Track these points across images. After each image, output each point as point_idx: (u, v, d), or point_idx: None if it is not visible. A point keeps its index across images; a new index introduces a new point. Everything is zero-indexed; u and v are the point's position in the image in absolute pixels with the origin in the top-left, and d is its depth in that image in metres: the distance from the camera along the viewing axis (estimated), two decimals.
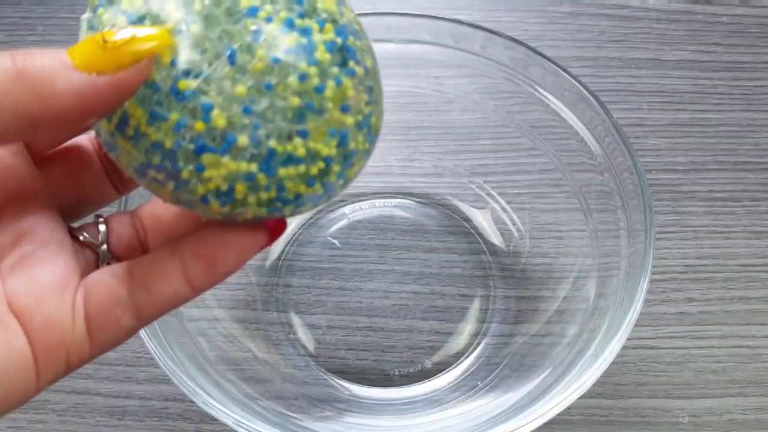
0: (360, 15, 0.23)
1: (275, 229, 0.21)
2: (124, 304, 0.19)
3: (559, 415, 0.31)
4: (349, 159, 0.19)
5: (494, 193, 0.47)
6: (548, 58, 0.39)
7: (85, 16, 0.18)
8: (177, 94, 0.17)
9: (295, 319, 0.44)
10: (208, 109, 0.17)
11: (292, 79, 0.17)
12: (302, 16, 0.18)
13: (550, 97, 0.41)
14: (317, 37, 0.18)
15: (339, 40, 0.18)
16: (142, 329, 0.32)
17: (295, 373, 0.42)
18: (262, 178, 0.18)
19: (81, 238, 0.21)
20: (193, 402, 0.31)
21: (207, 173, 0.18)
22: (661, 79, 0.54)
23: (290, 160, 0.18)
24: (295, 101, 0.17)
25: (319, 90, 0.18)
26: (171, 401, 0.41)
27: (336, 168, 0.19)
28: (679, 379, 0.42)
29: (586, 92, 0.38)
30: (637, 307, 0.33)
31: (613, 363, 0.32)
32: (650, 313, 0.44)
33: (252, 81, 0.17)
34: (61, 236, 0.20)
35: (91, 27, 0.18)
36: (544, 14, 0.57)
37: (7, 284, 0.19)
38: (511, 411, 0.35)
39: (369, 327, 0.44)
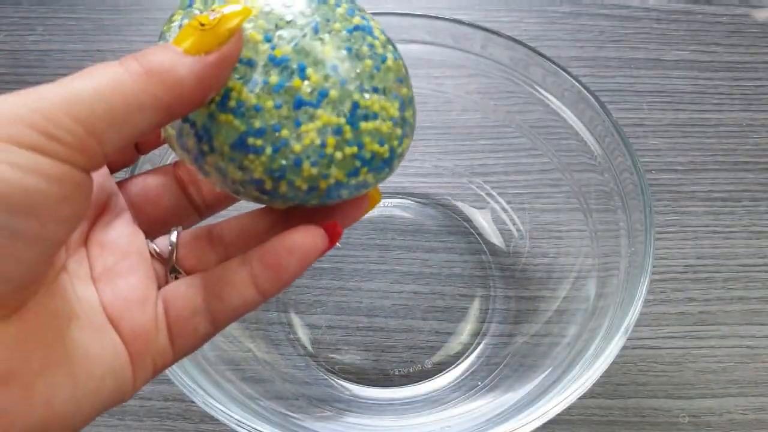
0: None
1: (333, 234, 0.23)
2: (200, 313, 0.21)
3: (559, 415, 0.31)
4: (405, 127, 0.23)
5: (494, 193, 0.47)
6: (548, 58, 0.39)
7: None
8: (274, 60, 0.20)
9: (295, 319, 0.44)
10: (303, 68, 0.20)
11: (364, 47, 0.21)
12: (359, 9, 0.22)
13: (550, 97, 0.41)
14: (372, 23, 0.22)
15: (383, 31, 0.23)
16: None
17: (295, 373, 0.42)
18: (348, 130, 0.21)
19: (153, 250, 0.23)
20: (193, 402, 0.31)
21: (303, 127, 0.20)
22: (661, 79, 0.54)
23: (368, 115, 0.21)
24: (368, 63, 0.21)
25: (383, 59, 0.22)
26: (171, 401, 0.41)
27: (398, 131, 0.22)
28: (679, 379, 0.42)
29: (586, 92, 0.38)
30: (637, 307, 0.33)
31: (613, 363, 0.32)
32: (650, 313, 0.44)
33: (334, 46, 0.21)
34: (140, 248, 0.22)
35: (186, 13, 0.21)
36: (544, 14, 0.57)
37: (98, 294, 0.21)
38: (511, 411, 0.35)
39: (369, 327, 0.44)
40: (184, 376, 0.32)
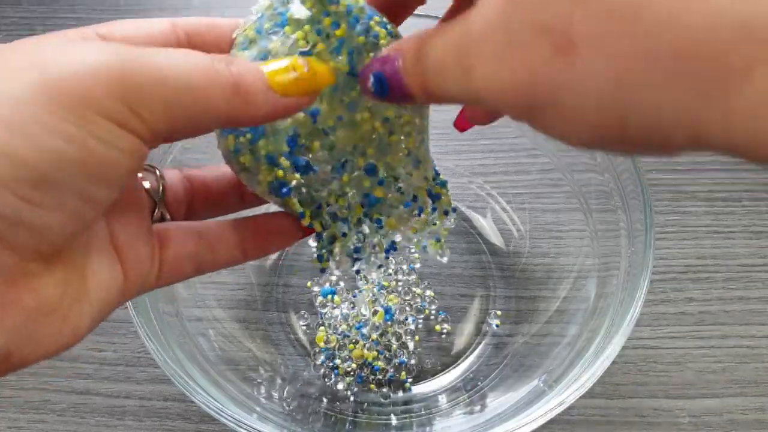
0: None
1: (307, 228, 0.27)
2: (191, 258, 0.24)
3: (559, 415, 0.31)
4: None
5: (494, 193, 0.47)
6: None
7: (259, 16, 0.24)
8: None
9: (295, 319, 0.44)
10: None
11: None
12: None
13: None
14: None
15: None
16: (141, 329, 0.33)
17: (295, 373, 0.42)
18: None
19: (146, 185, 0.25)
20: (193, 402, 0.31)
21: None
22: None
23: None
24: (361, 40, 0.24)
25: (375, 36, 0.24)
26: (171, 401, 0.41)
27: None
28: (680, 379, 0.42)
29: None
30: (637, 307, 0.33)
31: (613, 363, 0.32)
32: (650, 313, 0.44)
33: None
34: (138, 186, 0.25)
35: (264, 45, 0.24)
36: None
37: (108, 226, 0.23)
38: (511, 411, 0.35)
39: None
40: (184, 376, 0.32)
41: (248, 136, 0.24)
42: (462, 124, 0.31)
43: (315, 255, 0.28)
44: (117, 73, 0.17)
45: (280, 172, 0.24)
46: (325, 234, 0.27)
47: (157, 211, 0.25)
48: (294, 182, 0.25)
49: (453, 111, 0.45)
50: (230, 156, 0.25)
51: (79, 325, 0.20)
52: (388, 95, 0.22)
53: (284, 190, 0.25)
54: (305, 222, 0.26)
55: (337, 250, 0.28)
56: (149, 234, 0.23)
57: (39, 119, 0.17)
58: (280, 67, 0.21)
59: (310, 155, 0.25)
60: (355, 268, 0.29)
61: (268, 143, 0.24)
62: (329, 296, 0.44)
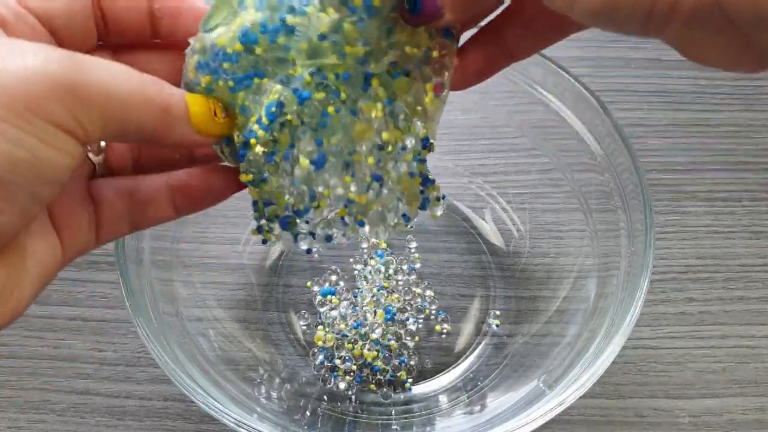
0: None
1: (242, 185, 0.26)
2: (124, 219, 0.25)
3: (559, 415, 0.31)
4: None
5: (494, 193, 0.47)
6: (548, 58, 0.39)
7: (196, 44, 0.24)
8: None
9: (295, 319, 0.44)
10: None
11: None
12: None
13: (550, 97, 0.41)
14: None
15: None
16: (141, 330, 0.33)
17: (295, 373, 0.42)
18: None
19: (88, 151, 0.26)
20: (193, 402, 0.31)
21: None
22: (662, 79, 0.54)
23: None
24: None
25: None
26: (171, 401, 0.41)
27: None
28: (680, 379, 0.42)
29: (586, 92, 0.38)
30: (637, 307, 0.33)
31: (614, 363, 0.32)
32: (650, 313, 0.44)
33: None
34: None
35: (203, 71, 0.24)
36: None
37: None
38: (511, 411, 0.35)
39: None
40: (184, 376, 0.32)
41: (230, 83, 0.24)
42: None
43: (255, 226, 0.27)
44: (64, 83, 0.19)
45: (249, 141, 0.24)
46: (263, 207, 0.26)
47: (97, 170, 0.26)
48: (258, 152, 0.24)
49: (453, 111, 0.45)
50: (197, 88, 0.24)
51: (18, 306, 0.22)
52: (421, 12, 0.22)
53: (242, 153, 0.25)
54: (242, 179, 0.25)
55: (277, 230, 0.27)
56: (86, 202, 0.25)
57: None
58: (203, 102, 0.23)
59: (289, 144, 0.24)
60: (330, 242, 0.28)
61: (247, 97, 0.24)
62: (328, 296, 0.44)
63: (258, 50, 0.23)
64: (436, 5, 0.22)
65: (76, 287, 0.45)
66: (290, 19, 0.23)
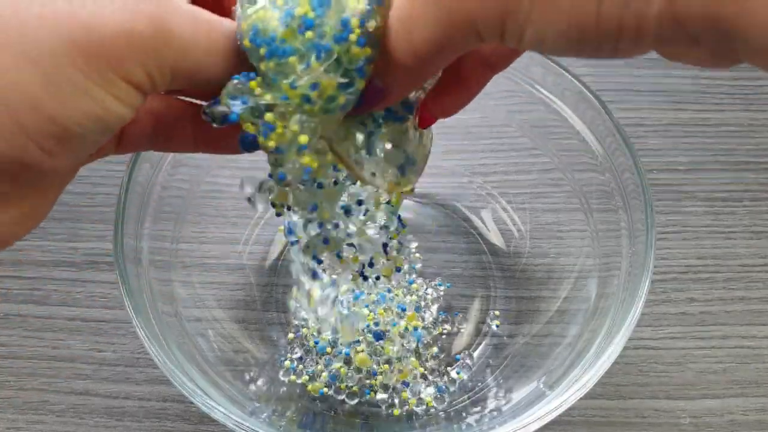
0: None
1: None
2: (147, 136, 0.25)
3: (559, 415, 0.31)
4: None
5: (494, 193, 0.47)
6: (549, 58, 0.39)
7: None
8: None
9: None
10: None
11: None
12: None
13: (550, 96, 0.40)
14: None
15: None
16: (141, 330, 0.32)
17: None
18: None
19: None
20: (192, 403, 0.31)
21: None
22: (662, 79, 0.54)
23: None
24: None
25: None
26: (170, 402, 0.41)
27: None
28: (680, 380, 0.42)
29: (587, 92, 0.38)
30: (638, 307, 0.33)
31: (614, 363, 0.32)
32: (651, 313, 0.44)
33: None
34: None
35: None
36: None
37: None
38: (511, 411, 0.35)
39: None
40: (183, 376, 0.32)
41: (264, 48, 0.21)
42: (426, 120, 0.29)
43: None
44: (148, 45, 0.19)
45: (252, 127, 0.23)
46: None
47: None
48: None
49: None
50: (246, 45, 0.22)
51: (42, 215, 0.22)
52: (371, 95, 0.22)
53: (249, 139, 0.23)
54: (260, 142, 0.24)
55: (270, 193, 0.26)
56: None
57: (70, 77, 0.18)
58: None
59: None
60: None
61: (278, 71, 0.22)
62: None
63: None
64: (378, 87, 0.21)
65: (75, 287, 0.45)
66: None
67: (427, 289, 0.44)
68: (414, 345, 0.42)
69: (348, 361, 0.41)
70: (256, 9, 0.21)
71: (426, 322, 0.43)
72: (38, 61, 0.18)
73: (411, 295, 0.44)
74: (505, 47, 0.24)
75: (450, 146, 0.48)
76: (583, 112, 0.39)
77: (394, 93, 0.22)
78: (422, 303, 0.44)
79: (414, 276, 0.45)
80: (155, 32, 0.19)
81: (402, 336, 0.42)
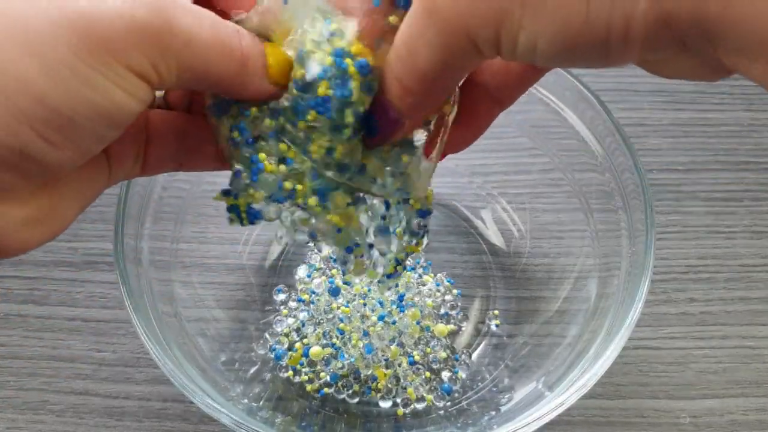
0: None
1: None
2: (172, 157, 0.25)
3: (559, 415, 0.31)
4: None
5: (494, 193, 0.47)
6: None
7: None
8: None
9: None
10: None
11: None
12: None
13: (550, 96, 0.40)
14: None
15: None
16: (141, 330, 0.32)
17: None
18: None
19: None
20: (193, 403, 0.31)
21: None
22: (662, 79, 0.53)
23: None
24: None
25: None
26: (170, 402, 0.41)
27: None
28: (681, 380, 0.42)
29: (586, 92, 0.38)
30: (638, 307, 0.33)
31: (614, 363, 0.32)
32: (651, 313, 0.44)
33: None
34: None
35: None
36: None
37: None
38: (511, 412, 0.35)
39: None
40: (183, 376, 0.32)
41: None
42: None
43: (226, 210, 0.26)
44: (149, 31, 0.19)
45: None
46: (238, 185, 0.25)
47: (155, 102, 0.26)
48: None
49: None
50: None
51: (62, 226, 0.22)
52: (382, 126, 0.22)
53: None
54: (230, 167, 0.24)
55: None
56: (140, 134, 0.24)
57: (71, 65, 0.18)
58: (279, 54, 0.22)
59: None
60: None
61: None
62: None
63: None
64: (392, 116, 0.21)
65: (75, 287, 0.45)
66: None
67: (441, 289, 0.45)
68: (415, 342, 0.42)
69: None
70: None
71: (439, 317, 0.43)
72: (38, 49, 0.18)
73: (429, 298, 0.44)
74: (510, 78, 0.25)
75: None
76: (582, 112, 0.39)
77: (410, 121, 0.22)
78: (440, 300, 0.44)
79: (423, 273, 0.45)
80: (155, 19, 0.19)
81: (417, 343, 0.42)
